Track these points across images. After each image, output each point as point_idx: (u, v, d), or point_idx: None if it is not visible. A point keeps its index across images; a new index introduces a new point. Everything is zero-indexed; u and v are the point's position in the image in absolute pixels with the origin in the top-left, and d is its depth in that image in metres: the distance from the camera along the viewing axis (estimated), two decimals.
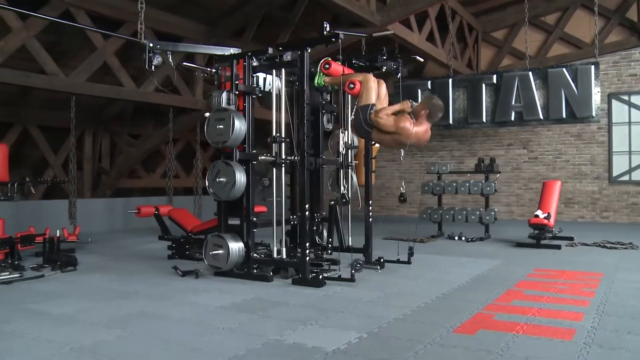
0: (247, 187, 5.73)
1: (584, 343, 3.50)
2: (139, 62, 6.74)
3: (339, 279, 5.37)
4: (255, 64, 5.85)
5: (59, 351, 3.39)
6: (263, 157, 5.57)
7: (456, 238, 9.37)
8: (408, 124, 5.33)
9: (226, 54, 5.91)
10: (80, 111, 12.40)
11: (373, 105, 5.57)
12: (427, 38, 11.31)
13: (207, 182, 5.64)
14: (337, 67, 5.86)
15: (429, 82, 11.92)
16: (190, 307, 4.57)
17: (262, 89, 5.89)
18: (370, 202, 6.60)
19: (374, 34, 6.01)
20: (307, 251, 6.41)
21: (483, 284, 5.48)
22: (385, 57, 6.26)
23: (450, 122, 11.64)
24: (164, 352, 3.42)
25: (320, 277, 5.31)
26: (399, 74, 6.51)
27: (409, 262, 6.37)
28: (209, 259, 5.75)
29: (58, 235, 6.82)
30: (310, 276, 5.35)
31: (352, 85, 5.67)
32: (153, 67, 5.64)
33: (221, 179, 5.51)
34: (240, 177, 5.47)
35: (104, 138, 13.13)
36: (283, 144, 5.69)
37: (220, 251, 5.63)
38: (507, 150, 13.78)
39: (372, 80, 5.65)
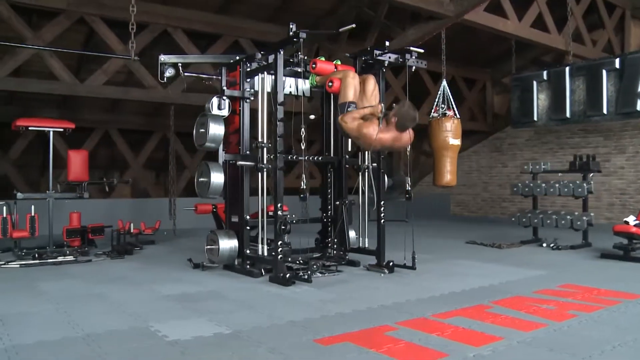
0: (242, 187, 6.03)
1: None
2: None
3: (300, 278, 5.34)
4: (250, 68, 6.11)
5: None
6: (241, 162, 5.80)
7: (544, 245, 8.34)
8: (371, 130, 5.20)
9: (231, 61, 6.27)
10: None
11: (351, 103, 5.43)
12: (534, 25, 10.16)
13: (195, 181, 6.09)
14: (323, 66, 5.81)
15: (545, 73, 10.70)
16: (143, 293, 5.07)
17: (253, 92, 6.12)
18: (383, 203, 6.33)
19: (340, 29, 5.78)
20: (325, 249, 6.54)
21: (463, 296, 4.92)
22: (386, 51, 5.98)
23: (568, 115, 10.29)
24: (49, 322, 3.98)
25: (288, 276, 5.35)
26: (413, 67, 6.14)
27: (413, 268, 5.97)
28: (207, 253, 6.19)
29: (131, 228, 7.93)
30: (280, 275, 5.43)
31: (330, 84, 5.59)
32: (165, 78, 6.25)
33: (202, 179, 5.90)
34: (217, 178, 5.78)
35: None
36: (265, 149, 5.83)
37: (214, 246, 6.02)
38: None
39: (350, 77, 5.50)
